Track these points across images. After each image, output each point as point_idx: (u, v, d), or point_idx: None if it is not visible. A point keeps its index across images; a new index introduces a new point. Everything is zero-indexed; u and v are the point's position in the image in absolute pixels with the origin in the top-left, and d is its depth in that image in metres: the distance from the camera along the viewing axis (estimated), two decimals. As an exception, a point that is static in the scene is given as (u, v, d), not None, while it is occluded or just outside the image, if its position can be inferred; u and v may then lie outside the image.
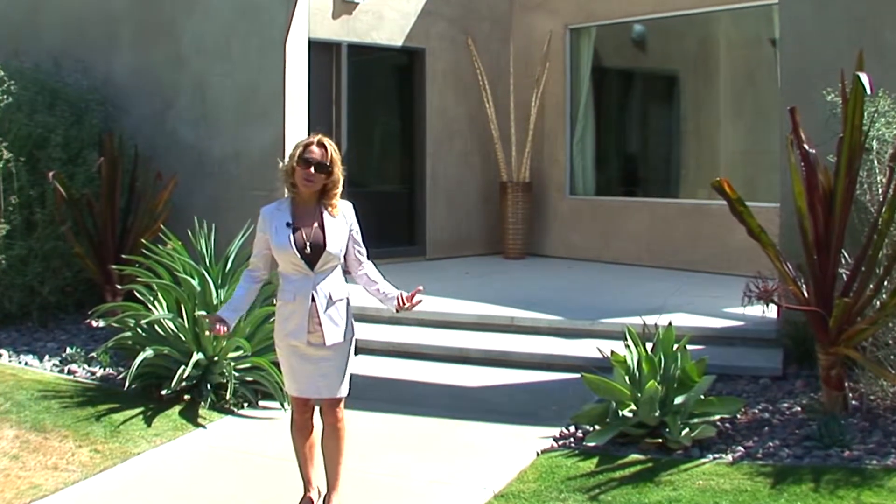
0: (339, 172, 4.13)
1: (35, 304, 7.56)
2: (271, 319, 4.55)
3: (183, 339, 6.01)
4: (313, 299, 4.11)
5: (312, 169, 4.07)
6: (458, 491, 4.67)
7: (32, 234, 7.47)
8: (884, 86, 5.57)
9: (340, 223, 4.18)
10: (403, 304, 4.23)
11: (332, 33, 10.00)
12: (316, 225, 4.13)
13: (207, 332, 4.41)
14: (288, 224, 4.11)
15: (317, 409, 4.31)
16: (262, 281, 4.32)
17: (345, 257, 4.22)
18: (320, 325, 4.11)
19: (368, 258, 4.32)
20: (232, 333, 5.98)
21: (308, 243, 4.10)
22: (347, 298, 4.22)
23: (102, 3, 8.90)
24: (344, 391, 4.23)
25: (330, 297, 4.13)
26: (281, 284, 4.20)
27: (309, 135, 4.35)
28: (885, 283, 5.13)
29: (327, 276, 4.15)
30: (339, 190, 4.17)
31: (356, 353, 4.32)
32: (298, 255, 4.09)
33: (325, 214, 4.15)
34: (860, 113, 5.07)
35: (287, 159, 4.17)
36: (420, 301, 4.25)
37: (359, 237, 4.27)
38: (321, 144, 4.11)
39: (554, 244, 11.10)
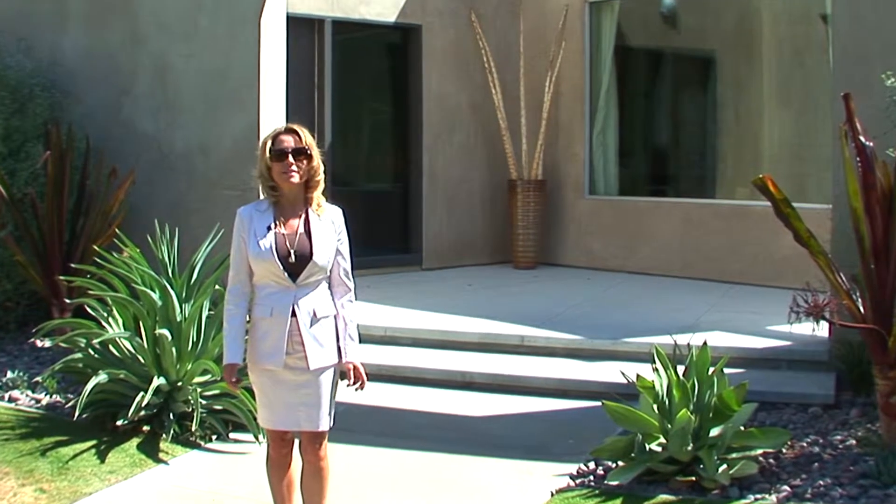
0: (318, 157, 4.18)
1: (-30, 322, 7.59)
2: (244, 338, 4.56)
3: (141, 361, 6.03)
4: (294, 314, 4.12)
5: (291, 158, 4.11)
6: (460, 537, 4.70)
7: (-33, 241, 7.50)
8: (952, 69, 5.61)
9: (328, 230, 4.20)
10: (353, 378, 4.22)
11: (314, 7, 10.05)
12: (302, 231, 4.16)
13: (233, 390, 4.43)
14: (269, 228, 4.13)
15: (296, 442, 4.32)
16: (248, 296, 4.25)
17: (329, 272, 4.24)
18: (303, 345, 4.12)
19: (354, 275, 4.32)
20: (200, 355, 6.03)
21: (292, 252, 4.12)
22: (335, 317, 4.23)
23: (49, -27, 8.94)
24: (326, 424, 4.23)
25: (314, 313, 4.15)
26: (255, 297, 4.20)
27: (287, 124, 4.38)
28: (954, 296, 5.15)
29: (312, 289, 4.16)
30: (321, 178, 4.20)
31: (342, 378, 4.31)
32: (280, 266, 4.10)
33: (313, 218, 4.18)
34: (924, 100, 5.10)
35: (258, 161, 4.19)
36: (362, 384, 4.26)
37: (346, 251, 4.27)
38: (290, 131, 4.18)
39: (570, 251, 11.13)
